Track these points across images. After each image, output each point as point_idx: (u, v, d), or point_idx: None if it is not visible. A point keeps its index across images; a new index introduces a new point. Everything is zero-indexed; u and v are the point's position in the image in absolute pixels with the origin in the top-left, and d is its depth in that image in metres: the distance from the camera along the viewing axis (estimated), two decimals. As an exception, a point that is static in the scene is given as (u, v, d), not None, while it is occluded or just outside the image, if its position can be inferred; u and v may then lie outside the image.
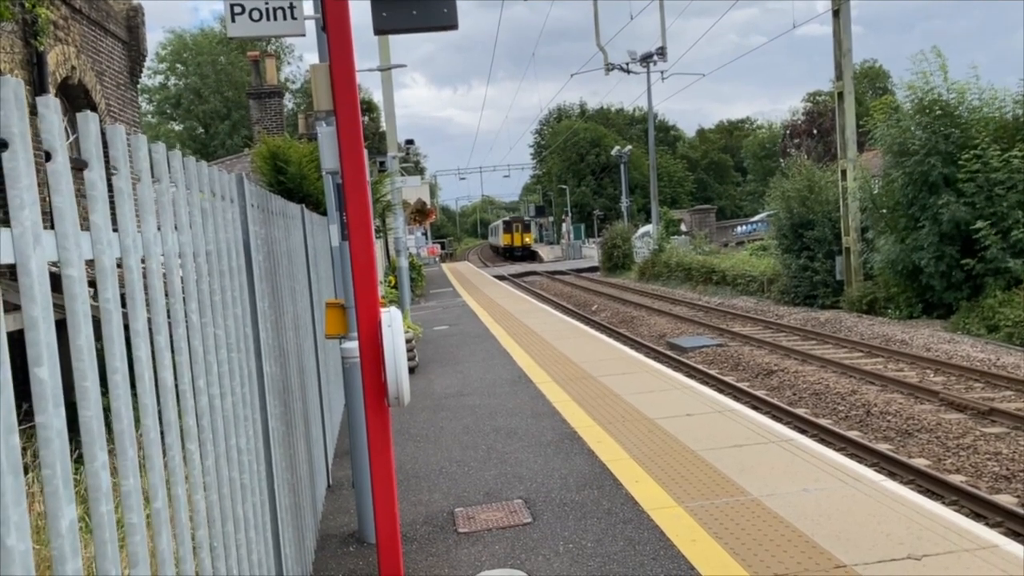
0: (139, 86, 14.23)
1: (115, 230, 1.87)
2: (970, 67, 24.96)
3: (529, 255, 68.82)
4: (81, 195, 1.70)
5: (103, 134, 1.84)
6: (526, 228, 71.24)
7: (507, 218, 76.50)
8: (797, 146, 55.90)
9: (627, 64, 37.29)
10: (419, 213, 29.70)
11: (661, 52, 35.91)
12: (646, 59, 37.22)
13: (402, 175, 20.09)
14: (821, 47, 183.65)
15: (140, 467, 1.80)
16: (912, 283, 18.07)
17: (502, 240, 71.25)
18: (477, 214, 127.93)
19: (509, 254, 69.83)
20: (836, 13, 20.67)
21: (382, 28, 3.99)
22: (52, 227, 1.57)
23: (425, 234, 41.24)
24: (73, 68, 11.01)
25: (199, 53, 51.87)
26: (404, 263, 18.49)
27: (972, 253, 16.42)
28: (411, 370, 11.12)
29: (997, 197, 16.16)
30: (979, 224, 16.03)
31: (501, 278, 38.80)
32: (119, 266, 1.86)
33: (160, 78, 52.87)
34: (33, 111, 1.61)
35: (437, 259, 51.95)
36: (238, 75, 49.55)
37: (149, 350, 1.95)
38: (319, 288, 6.69)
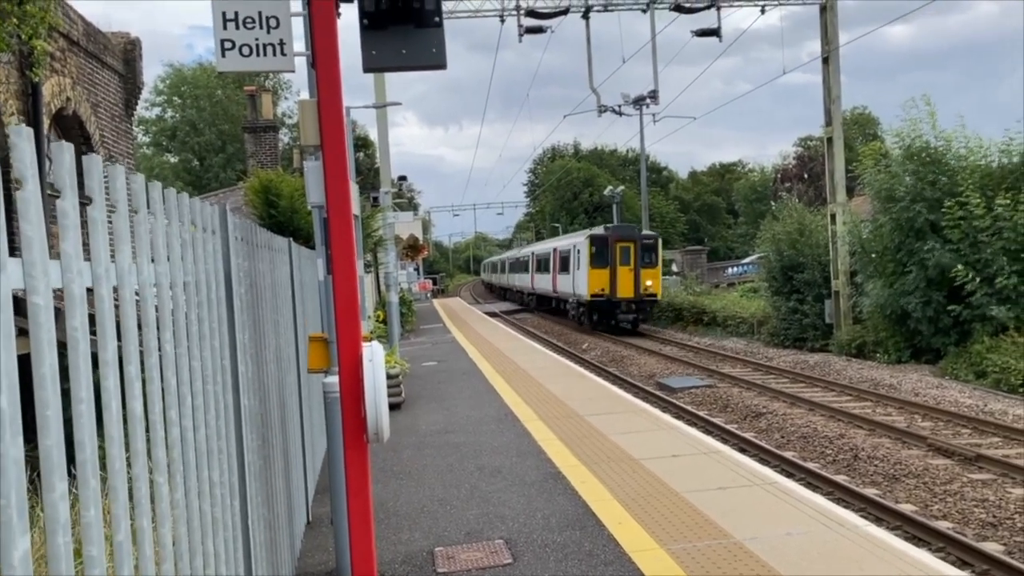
0: (136, 117, 14.31)
1: (88, 259, 1.87)
2: (957, 116, 25.42)
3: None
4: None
5: (79, 164, 1.85)
6: (648, 256, 30.25)
7: (599, 230, 32.84)
8: (788, 190, 56.53)
9: (619, 106, 37.72)
10: (411, 249, 29.77)
11: (653, 95, 36.30)
12: (639, 101, 37.68)
13: (394, 210, 20.16)
14: (803, 93, 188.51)
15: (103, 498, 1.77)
16: (901, 327, 18.15)
17: (589, 284, 30.10)
18: (470, 250, 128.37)
19: (608, 315, 30.11)
20: (825, 60, 21.05)
21: (371, 66, 4.03)
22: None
23: (417, 269, 41.29)
24: (68, 99, 11.08)
25: (196, 86, 52.27)
26: (394, 298, 18.48)
27: (959, 299, 16.52)
28: (397, 406, 11.04)
29: (982, 244, 16.30)
30: (958, 269, 16.10)
31: (492, 315, 38.75)
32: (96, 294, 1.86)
33: (157, 110, 53.24)
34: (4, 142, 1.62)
35: (429, 295, 51.90)
36: (234, 109, 49.89)
37: (118, 379, 1.94)
38: (305, 322, 6.66)
